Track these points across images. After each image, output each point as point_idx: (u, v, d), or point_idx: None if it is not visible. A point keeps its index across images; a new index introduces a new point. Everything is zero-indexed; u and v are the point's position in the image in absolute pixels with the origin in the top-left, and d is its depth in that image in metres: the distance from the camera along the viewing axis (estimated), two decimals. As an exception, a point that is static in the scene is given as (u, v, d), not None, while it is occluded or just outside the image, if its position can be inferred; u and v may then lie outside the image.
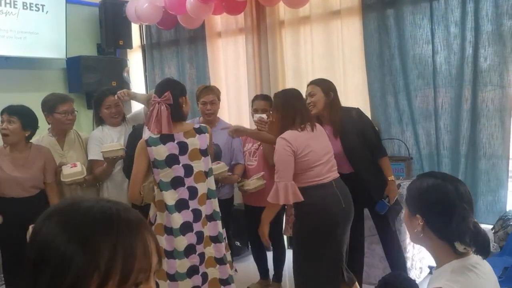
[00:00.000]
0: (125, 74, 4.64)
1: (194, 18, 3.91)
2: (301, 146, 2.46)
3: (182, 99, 2.41)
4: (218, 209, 2.50)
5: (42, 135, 3.01)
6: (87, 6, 4.71)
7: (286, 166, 2.44)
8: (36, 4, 4.10)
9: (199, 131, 2.45)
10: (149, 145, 2.34)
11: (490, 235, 2.58)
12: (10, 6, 3.91)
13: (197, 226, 2.39)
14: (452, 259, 1.29)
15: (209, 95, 3.20)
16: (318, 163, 2.49)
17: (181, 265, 2.34)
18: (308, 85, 2.92)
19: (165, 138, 2.35)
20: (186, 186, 2.38)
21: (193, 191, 2.40)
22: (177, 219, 2.34)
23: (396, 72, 3.33)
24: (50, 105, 2.91)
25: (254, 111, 3.23)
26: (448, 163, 3.21)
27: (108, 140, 3.02)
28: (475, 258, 1.29)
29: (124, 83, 4.66)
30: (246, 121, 4.11)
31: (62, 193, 2.96)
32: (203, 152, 2.43)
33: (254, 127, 3.65)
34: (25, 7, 4.02)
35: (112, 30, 4.63)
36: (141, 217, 0.74)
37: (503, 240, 2.69)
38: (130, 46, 4.81)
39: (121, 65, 4.67)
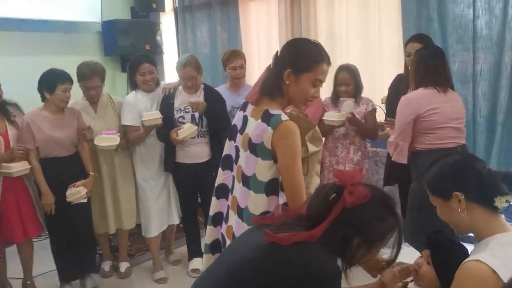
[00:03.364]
0: (158, 38, 4.67)
1: (226, -20, 3.86)
2: (424, 106, 2.43)
3: (288, 74, 1.63)
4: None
5: (77, 99, 3.11)
6: (121, -32, 4.72)
7: (402, 126, 2.47)
8: (72, -33, 4.14)
9: (266, 118, 1.64)
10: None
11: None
12: (48, -30, 3.97)
13: (224, 228, 1.85)
14: (493, 233, 1.29)
15: (238, 59, 3.27)
16: (443, 126, 2.44)
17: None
18: (407, 43, 2.87)
19: (244, 104, 1.81)
20: (232, 173, 1.80)
21: (234, 184, 1.80)
22: (213, 205, 1.90)
23: (434, 35, 3.21)
24: (77, 75, 3.00)
25: None
26: (483, 132, 3.13)
27: (141, 106, 3.10)
28: None
29: (157, 47, 4.70)
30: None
31: (96, 154, 3.09)
32: (251, 146, 1.68)
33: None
34: (61, -29, 4.07)
35: (145, -7, 4.64)
36: None
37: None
38: (162, 9, 4.81)
39: (154, 28, 4.70)
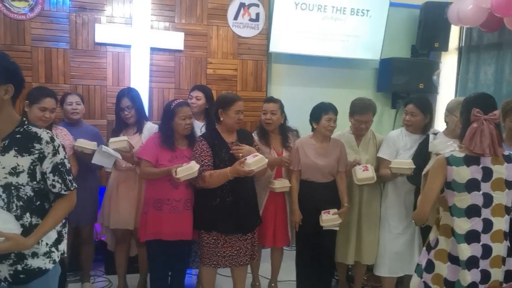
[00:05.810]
0: (435, 77, 4.55)
1: (524, 20, 3.44)
2: None
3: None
4: None
5: (344, 131, 3.34)
6: (408, 8, 4.82)
7: None
8: (362, 10, 4.50)
9: (509, 159, 2.17)
10: (449, 163, 2.15)
11: None
12: (340, 13, 4.45)
13: (483, 264, 2.14)
14: None
15: None
16: None
17: None
18: None
19: (470, 160, 2.15)
20: (481, 217, 2.15)
21: (487, 225, 2.16)
22: (465, 251, 2.14)
23: None
24: (350, 109, 3.20)
25: None
26: None
27: (400, 144, 3.11)
28: None
29: (432, 86, 4.58)
30: None
31: (351, 187, 3.23)
32: (509, 184, 2.16)
33: None
34: (352, 13, 4.48)
35: (429, 32, 4.60)
36: None
37: None
38: (445, 48, 4.65)
39: (432, 67, 4.60)
